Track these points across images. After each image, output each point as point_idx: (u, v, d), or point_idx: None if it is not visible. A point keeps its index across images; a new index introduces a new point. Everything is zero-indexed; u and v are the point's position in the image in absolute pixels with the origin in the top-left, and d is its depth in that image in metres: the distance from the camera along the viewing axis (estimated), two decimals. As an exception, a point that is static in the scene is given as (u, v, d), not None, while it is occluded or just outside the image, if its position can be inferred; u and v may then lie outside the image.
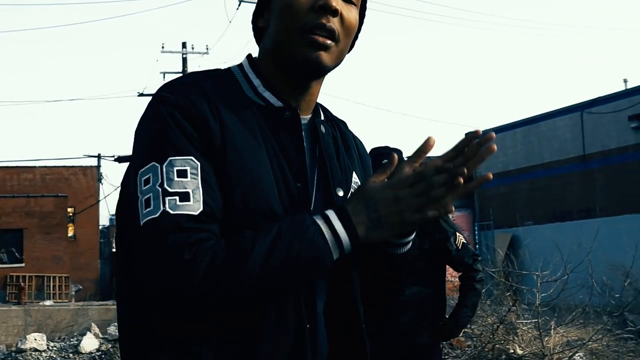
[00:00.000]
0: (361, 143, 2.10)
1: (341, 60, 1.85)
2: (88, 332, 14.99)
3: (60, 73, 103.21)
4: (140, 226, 1.62)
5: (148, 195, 1.64)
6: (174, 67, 40.02)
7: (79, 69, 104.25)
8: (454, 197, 1.66)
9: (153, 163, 1.66)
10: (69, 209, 36.66)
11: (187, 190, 1.64)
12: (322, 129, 1.90)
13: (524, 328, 10.53)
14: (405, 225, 1.69)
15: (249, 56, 1.92)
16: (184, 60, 33.94)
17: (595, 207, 24.65)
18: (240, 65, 1.90)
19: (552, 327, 10.35)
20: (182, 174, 1.64)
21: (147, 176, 1.65)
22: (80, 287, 35.02)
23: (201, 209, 1.63)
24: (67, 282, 33.62)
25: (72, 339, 15.35)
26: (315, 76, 1.84)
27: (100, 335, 14.99)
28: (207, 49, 36.03)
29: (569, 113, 26.26)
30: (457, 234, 5.35)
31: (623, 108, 23.93)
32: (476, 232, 29.46)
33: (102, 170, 38.77)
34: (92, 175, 38.54)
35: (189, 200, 1.63)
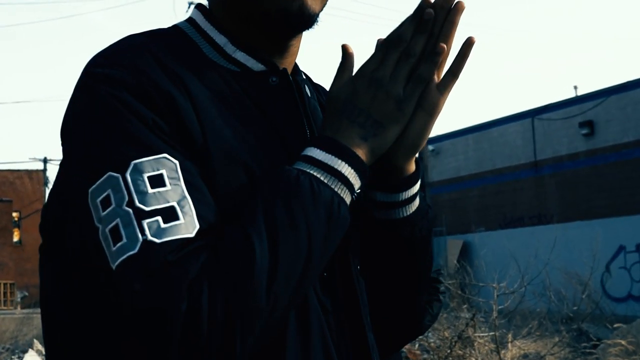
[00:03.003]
0: None
1: None
2: (30, 350, 14.50)
3: (4, 75, 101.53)
4: (111, 271, 1.10)
5: (114, 223, 1.11)
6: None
7: (24, 70, 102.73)
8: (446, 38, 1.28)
9: (109, 174, 1.14)
10: (14, 214, 36.04)
11: (171, 203, 1.13)
12: (307, 90, 1.43)
13: (480, 341, 10.39)
14: (405, 105, 1.26)
15: (200, 6, 1.40)
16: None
17: (546, 213, 24.77)
18: (190, 21, 1.39)
19: (509, 340, 10.23)
20: (157, 181, 1.14)
21: (105, 195, 1.13)
22: (26, 293, 34.32)
23: (197, 227, 1.13)
24: (13, 288, 32.91)
25: (13, 356, 14.88)
26: (301, 29, 1.36)
27: (43, 352, 14.52)
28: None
29: (520, 119, 26.35)
30: None
31: (574, 115, 24.07)
32: (428, 238, 29.37)
33: (48, 174, 38.18)
34: (38, 179, 37.95)
35: (177, 219, 1.12)
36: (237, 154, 1.23)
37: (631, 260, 20.73)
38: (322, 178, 1.20)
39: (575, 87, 28.92)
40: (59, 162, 1.34)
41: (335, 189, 1.21)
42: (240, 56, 1.34)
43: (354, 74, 1.30)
